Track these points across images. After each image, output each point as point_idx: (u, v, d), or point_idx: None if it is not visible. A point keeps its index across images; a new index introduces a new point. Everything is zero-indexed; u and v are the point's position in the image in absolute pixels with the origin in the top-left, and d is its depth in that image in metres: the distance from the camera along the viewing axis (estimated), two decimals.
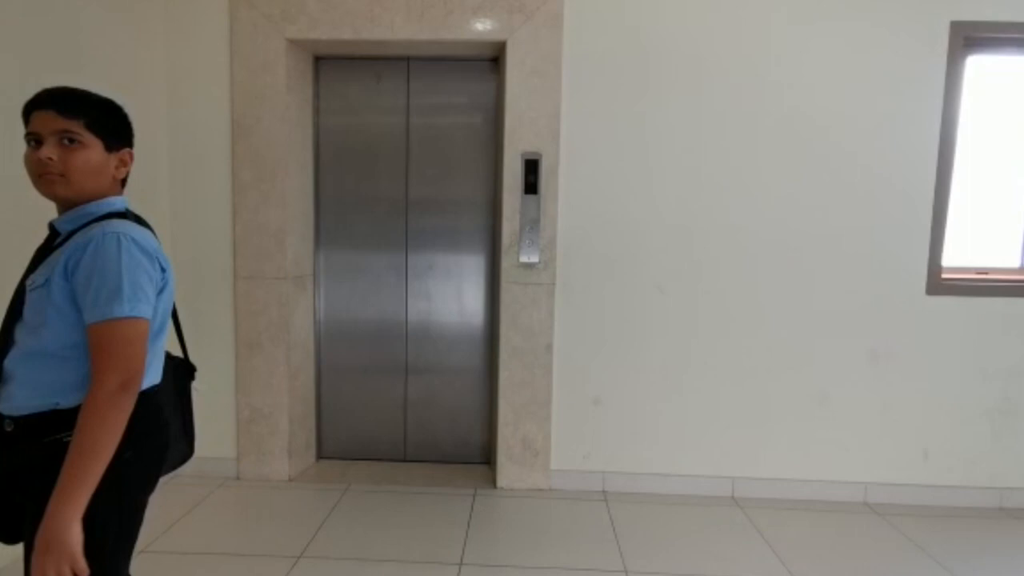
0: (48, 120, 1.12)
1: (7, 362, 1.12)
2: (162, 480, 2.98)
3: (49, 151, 1.11)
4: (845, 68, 2.64)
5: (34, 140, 1.13)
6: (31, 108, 1.15)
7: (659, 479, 2.82)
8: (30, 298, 1.10)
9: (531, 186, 2.71)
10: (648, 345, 2.78)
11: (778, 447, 2.80)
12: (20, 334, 1.11)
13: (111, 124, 1.20)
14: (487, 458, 3.13)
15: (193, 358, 2.99)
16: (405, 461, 3.13)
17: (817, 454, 2.80)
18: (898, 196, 2.68)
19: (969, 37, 2.62)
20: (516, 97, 2.70)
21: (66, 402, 1.09)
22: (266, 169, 2.76)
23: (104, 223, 1.13)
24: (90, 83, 2.40)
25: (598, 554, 2.30)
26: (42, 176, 1.12)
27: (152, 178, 2.70)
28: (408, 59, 2.96)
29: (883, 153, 2.67)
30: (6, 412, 1.12)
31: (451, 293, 3.06)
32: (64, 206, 1.18)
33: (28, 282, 1.13)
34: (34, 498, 1.05)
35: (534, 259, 2.73)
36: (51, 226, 1.19)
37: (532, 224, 2.73)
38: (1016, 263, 2.82)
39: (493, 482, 2.89)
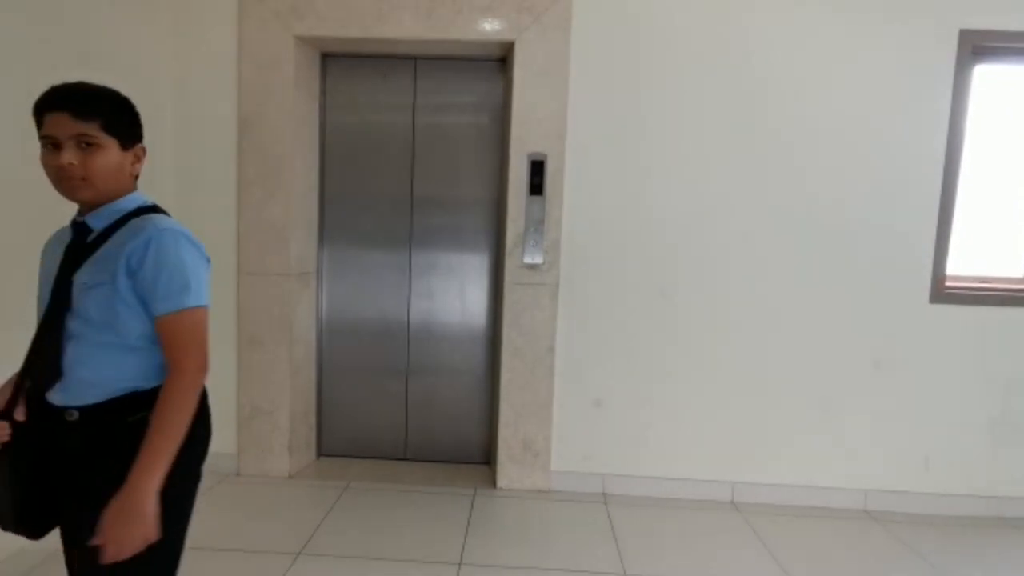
0: (64, 123, 1.11)
1: (67, 355, 1.15)
2: None
3: (69, 156, 1.11)
4: (853, 75, 2.63)
5: (51, 143, 1.12)
6: (44, 108, 1.13)
7: (659, 482, 2.82)
8: (90, 295, 1.14)
9: (536, 187, 2.71)
10: (650, 348, 2.78)
11: (778, 452, 2.80)
12: (81, 328, 1.14)
13: (124, 122, 1.20)
14: (487, 458, 3.13)
15: None
16: (405, 460, 3.13)
17: (817, 460, 2.80)
18: (903, 203, 2.68)
19: (978, 46, 2.61)
20: (523, 98, 2.70)
21: (145, 385, 1.18)
22: (272, 165, 2.76)
23: (148, 220, 1.18)
24: (98, 77, 2.39)
25: (597, 556, 2.30)
26: (64, 181, 1.13)
27: (158, 173, 2.70)
28: (415, 58, 2.96)
29: (889, 160, 2.66)
30: (69, 403, 1.15)
31: (454, 292, 3.06)
32: (89, 206, 1.19)
33: (80, 279, 1.14)
34: (106, 477, 1.11)
35: (538, 260, 2.73)
36: (79, 224, 1.20)
37: (536, 225, 2.73)
38: (1019, 273, 2.81)
39: (493, 482, 2.89)
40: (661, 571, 2.22)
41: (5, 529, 1.20)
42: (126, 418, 1.17)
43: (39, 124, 1.14)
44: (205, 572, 2.09)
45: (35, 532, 1.22)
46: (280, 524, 2.42)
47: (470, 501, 2.72)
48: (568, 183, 2.72)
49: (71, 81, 1.18)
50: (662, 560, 2.29)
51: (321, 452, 3.14)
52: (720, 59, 2.65)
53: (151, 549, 1.10)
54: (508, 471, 2.85)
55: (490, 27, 2.67)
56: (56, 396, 1.16)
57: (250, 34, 2.71)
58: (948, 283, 2.73)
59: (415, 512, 2.59)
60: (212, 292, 3.12)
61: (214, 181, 2.79)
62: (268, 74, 2.73)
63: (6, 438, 1.17)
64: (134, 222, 1.19)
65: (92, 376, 1.15)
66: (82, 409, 1.16)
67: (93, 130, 1.13)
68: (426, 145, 3.01)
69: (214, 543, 2.27)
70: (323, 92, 3.00)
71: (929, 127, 2.64)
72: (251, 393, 2.84)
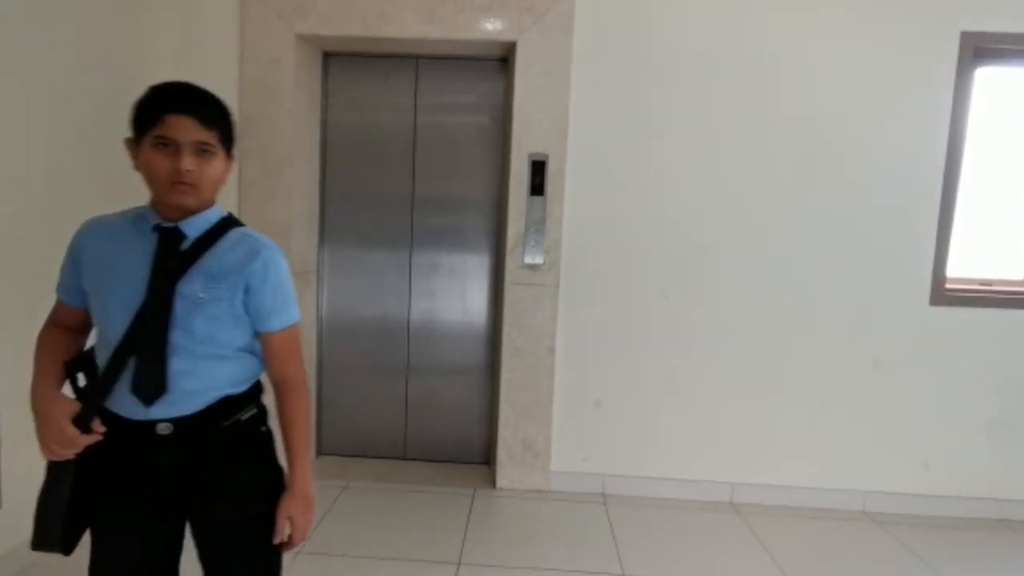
0: (189, 128, 1.08)
1: (172, 368, 1.12)
2: None
3: (189, 162, 1.08)
4: (854, 77, 2.63)
5: (166, 144, 1.08)
6: (168, 109, 1.09)
7: (659, 483, 2.82)
8: (203, 309, 1.12)
9: (537, 187, 2.71)
10: (650, 349, 2.78)
11: (778, 454, 2.80)
12: (184, 339, 1.12)
13: (232, 133, 1.19)
14: (487, 458, 3.13)
15: None
16: (405, 459, 3.13)
17: (817, 462, 2.79)
18: (904, 204, 2.68)
19: (979, 48, 2.61)
20: (524, 98, 2.70)
21: (236, 390, 1.20)
22: (273, 165, 2.76)
23: (254, 236, 1.21)
24: (98, 75, 2.39)
25: (596, 556, 2.30)
26: (176, 185, 1.09)
27: None
28: (417, 58, 2.96)
29: (890, 162, 2.66)
30: (165, 416, 1.13)
31: (455, 292, 3.06)
32: (181, 212, 1.15)
33: (190, 292, 1.12)
34: (243, 480, 1.20)
35: (538, 260, 2.73)
36: (170, 229, 1.14)
37: (537, 225, 2.73)
38: (1020, 275, 2.81)
39: (493, 482, 2.89)
40: (660, 572, 2.22)
41: (41, 547, 1.15)
42: (221, 423, 1.18)
43: (153, 122, 1.09)
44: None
45: (71, 547, 1.18)
46: None
47: (469, 501, 2.72)
48: (569, 183, 2.72)
49: (182, 82, 1.15)
50: (661, 561, 2.29)
51: (321, 451, 3.14)
52: (722, 60, 2.65)
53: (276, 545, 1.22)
54: (508, 471, 2.85)
55: (492, 27, 2.68)
56: (160, 409, 1.13)
57: (252, 33, 2.71)
58: (948, 285, 2.73)
59: (414, 512, 2.59)
60: None
61: None
62: (270, 73, 2.73)
63: (81, 445, 1.11)
64: (237, 236, 1.19)
65: (195, 387, 1.14)
66: (179, 420, 1.14)
67: (213, 139, 1.11)
68: (427, 145, 3.01)
69: None
70: (324, 92, 3.00)
71: (930, 129, 2.64)
72: None
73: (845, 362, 2.74)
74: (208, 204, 1.18)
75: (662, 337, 2.77)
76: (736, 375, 2.77)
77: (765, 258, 2.72)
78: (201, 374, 1.14)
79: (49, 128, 2.09)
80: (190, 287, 1.12)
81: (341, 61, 2.99)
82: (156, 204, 1.16)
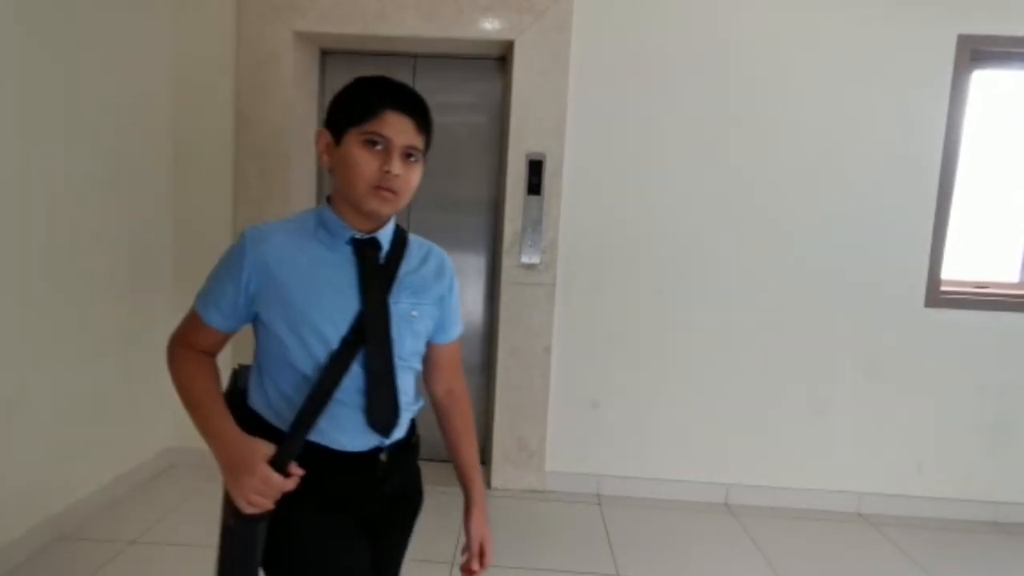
0: (406, 130, 0.98)
1: (401, 391, 1.05)
2: (157, 470, 2.95)
3: (398, 166, 0.96)
4: (851, 78, 2.64)
5: (376, 143, 0.97)
6: (389, 105, 0.97)
7: (654, 483, 2.82)
8: (416, 324, 1.07)
9: (534, 187, 2.71)
10: (647, 350, 2.78)
11: (774, 455, 2.80)
12: (399, 359, 1.04)
13: (432, 138, 1.08)
14: (482, 458, 3.12)
15: None
16: None
17: (812, 463, 2.80)
18: (900, 207, 2.69)
19: (976, 51, 2.62)
20: (522, 97, 2.69)
21: (416, 407, 1.14)
22: (269, 162, 2.76)
23: (431, 244, 1.16)
24: (94, 70, 2.38)
25: (591, 556, 2.29)
26: (379, 190, 0.97)
27: (155, 168, 2.69)
28: (415, 56, 2.96)
29: (886, 164, 2.67)
30: (383, 442, 1.05)
31: None
32: (373, 221, 1.03)
33: (404, 307, 1.05)
34: (414, 506, 1.20)
35: (535, 260, 2.73)
36: (369, 240, 1.03)
37: (534, 225, 2.72)
38: (1015, 278, 2.82)
39: (487, 482, 2.88)
40: (654, 573, 2.22)
41: None
42: (411, 440, 1.14)
43: (368, 116, 0.96)
44: (194, 571, 2.08)
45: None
46: None
47: (463, 500, 2.70)
48: (566, 183, 2.72)
49: (394, 79, 1.04)
50: (656, 562, 2.29)
51: None
52: (720, 61, 2.65)
53: None
54: (503, 471, 2.84)
55: (490, 26, 2.67)
56: (367, 439, 1.03)
57: (249, 29, 2.70)
58: (943, 287, 2.74)
59: None
60: None
61: (212, 177, 2.78)
62: (267, 70, 2.72)
63: (281, 492, 0.94)
64: (418, 245, 1.13)
65: (409, 407, 1.09)
66: (391, 446, 1.06)
67: (422, 144, 1.02)
68: None
69: (207, 540, 2.25)
70: (322, 90, 3.00)
71: (927, 132, 2.65)
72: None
73: (841, 364, 2.75)
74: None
75: (659, 338, 2.77)
76: (732, 376, 2.77)
77: (762, 259, 2.72)
78: (408, 393, 1.09)
79: (43, 127, 2.08)
80: (402, 304, 1.04)
81: (339, 59, 2.99)
82: (343, 209, 1.02)
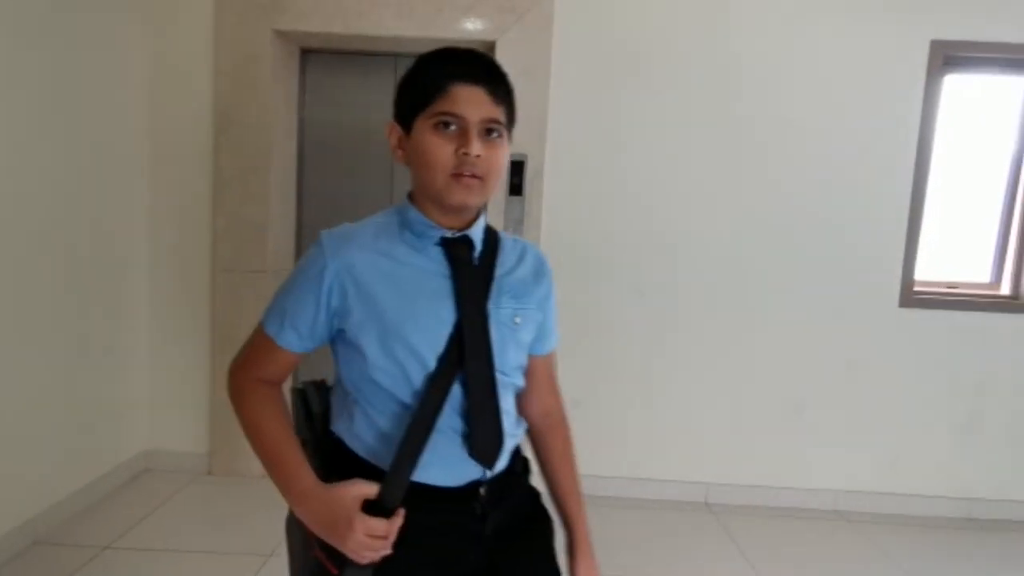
0: (480, 103, 0.84)
1: (504, 412, 0.91)
2: (136, 476, 2.90)
3: (478, 146, 0.83)
4: (827, 82, 2.68)
5: (451, 124, 0.83)
6: (456, 76, 0.84)
7: (634, 483, 2.83)
8: (518, 334, 0.93)
9: (516, 187, 2.71)
10: (628, 349, 2.79)
11: (752, 455, 2.83)
12: (501, 376, 0.91)
13: (515, 111, 0.93)
14: None
15: (169, 351, 2.94)
16: None
17: (791, 462, 2.83)
18: (875, 209, 2.73)
19: (949, 56, 2.67)
20: None
21: (520, 431, 1.02)
22: (248, 162, 2.72)
23: (513, 238, 1.02)
24: (68, 68, 2.34)
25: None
26: (459, 178, 0.84)
27: (131, 169, 2.65)
28: (396, 55, 2.95)
29: (862, 167, 2.71)
30: (483, 476, 0.90)
31: None
32: (461, 215, 0.90)
33: (506, 316, 0.92)
34: (528, 544, 1.00)
35: None
36: (461, 239, 0.91)
37: (516, 225, 2.73)
38: (986, 279, 2.88)
39: None
40: (635, 571, 2.23)
41: None
42: (521, 474, 1.01)
43: (433, 95, 0.84)
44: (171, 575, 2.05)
45: None
46: (252, 524, 2.38)
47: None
48: (548, 183, 2.73)
49: (460, 47, 0.89)
50: (636, 561, 2.30)
51: None
52: (700, 62, 2.67)
53: None
54: None
55: (472, 26, 2.67)
56: (461, 471, 0.88)
57: (227, 27, 2.67)
58: (917, 288, 2.79)
59: None
60: (187, 288, 3.07)
61: (190, 177, 2.74)
62: (246, 68, 2.69)
63: (397, 526, 0.82)
64: (511, 243, 0.99)
65: (513, 432, 0.93)
66: (491, 480, 0.91)
67: (502, 116, 0.87)
68: None
69: (182, 545, 2.23)
70: (302, 88, 2.97)
71: (900, 134, 2.69)
72: (224, 391, 2.78)
73: (819, 363, 2.78)
74: (484, 203, 0.92)
75: (639, 337, 2.79)
76: (712, 376, 2.79)
77: (742, 259, 2.75)
78: (511, 414, 0.94)
79: (17, 128, 2.04)
80: (503, 311, 0.91)
81: (319, 58, 2.97)
82: (426, 207, 0.90)
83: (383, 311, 0.85)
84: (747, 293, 2.76)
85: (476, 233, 0.92)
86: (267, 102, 2.71)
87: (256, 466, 2.78)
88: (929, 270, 2.84)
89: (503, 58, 2.67)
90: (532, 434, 1.06)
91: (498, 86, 0.86)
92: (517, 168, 2.71)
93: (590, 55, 2.69)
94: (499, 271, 0.93)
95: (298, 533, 0.89)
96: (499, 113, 0.86)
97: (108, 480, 2.57)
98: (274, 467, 0.86)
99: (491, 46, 2.72)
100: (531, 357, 1.00)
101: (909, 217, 2.73)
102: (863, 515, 2.78)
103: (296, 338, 0.90)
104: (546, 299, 1.00)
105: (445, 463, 0.87)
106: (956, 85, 2.77)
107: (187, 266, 2.78)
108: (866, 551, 2.49)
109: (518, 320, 0.92)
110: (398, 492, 0.82)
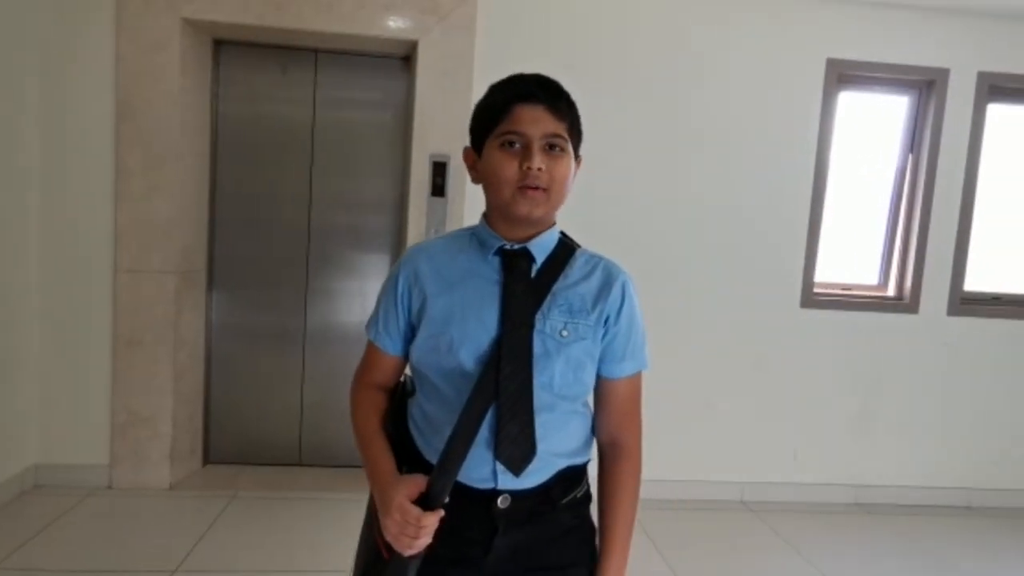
0: (541, 120, 0.92)
1: (548, 428, 0.93)
2: (24, 492, 2.69)
3: (540, 160, 0.90)
4: (735, 97, 2.82)
5: (516, 142, 0.91)
6: (518, 98, 0.93)
7: None
8: (568, 350, 0.94)
9: (439, 188, 2.70)
10: None
11: (662, 450, 2.90)
12: (543, 390, 0.92)
13: (580, 126, 1.01)
14: None
15: (63, 356, 2.74)
16: (300, 465, 3.01)
17: (699, 457, 2.96)
18: (779, 216, 2.90)
19: (843, 74, 2.88)
20: (426, 98, 2.68)
21: (579, 461, 1.01)
22: (155, 155, 2.58)
23: (606, 260, 1.05)
24: None
25: None
26: (524, 191, 0.90)
27: (19, 160, 2.45)
28: (316, 51, 2.87)
29: (765, 176, 2.87)
30: (510, 487, 0.92)
31: (354, 292, 2.99)
32: (528, 228, 0.96)
33: (553, 329, 0.93)
34: (547, 567, 0.98)
35: None
36: (520, 251, 0.96)
37: (439, 226, 2.71)
38: (874, 280, 3.13)
39: None
40: None
41: None
42: (558, 501, 0.97)
43: (499, 118, 0.93)
44: None
45: None
46: (155, 539, 2.26)
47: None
48: (471, 185, 2.72)
49: (526, 73, 0.99)
50: None
51: (208, 459, 2.97)
52: (621, 62, 2.75)
53: None
54: None
55: (394, 25, 2.64)
56: (510, 479, 0.92)
57: (130, 12, 2.51)
58: (816, 290, 2.99)
59: (308, 521, 2.50)
60: (84, 290, 2.88)
61: (88, 170, 2.56)
62: (151, 57, 2.54)
63: (429, 521, 0.86)
64: (585, 259, 1.02)
65: (550, 451, 0.94)
66: (520, 493, 0.93)
67: (564, 131, 0.94)
68: (326, 141, 2.92)
69: (78, 564, 2.09)
70: (216, 80, 2.84)
71: (801, 146, 2.88)
72: (128, 398, 2.63)
73: (727, 361, 2.93)
74: (552, 216, 0.99)
75: None
76: None
77: (657, 262, 2.84)
78: (552, 436, 0.94)
79: None
80: (550, 323, 0.93)
81: (234, 50, 2.84)
82: (495, 221, 0.98)
83: (434, 311, 0.94)
84: (659, 296, 2.85)
85: (539, 246, 0.98)
86: (175, 93, 2.57)
87: (162, 477, 2.66)
88: (825, 272, 3.04)
89: (425, 59, 2.66)
90: (599, 461, 1.06)
91: (558, 103, 0.95)
92: (440, 169, 2.70)
93: (512, 57, 2.69)
94: (559, 284, 0.97)
95: (370, 518, 1.00)
96: (561, 128, 0.94)
97: None
98: (364, 453, 0.98)
99: (413, 45, 2.69)
100: (603, 381, 1.01)
101: (809, 223, 2.92)
102: (766, 504, 2.95)
103: (389, 341, 1.01)
104: (615, 318, 0.99)
105: (479, 465, 0.92)
106: (849, 101, 2.98)
107: (83, 267, 2.59)
108: (767, 539, 2.64)
109: (565, 333, 0.94)
110: (441, 490, 0.88)
